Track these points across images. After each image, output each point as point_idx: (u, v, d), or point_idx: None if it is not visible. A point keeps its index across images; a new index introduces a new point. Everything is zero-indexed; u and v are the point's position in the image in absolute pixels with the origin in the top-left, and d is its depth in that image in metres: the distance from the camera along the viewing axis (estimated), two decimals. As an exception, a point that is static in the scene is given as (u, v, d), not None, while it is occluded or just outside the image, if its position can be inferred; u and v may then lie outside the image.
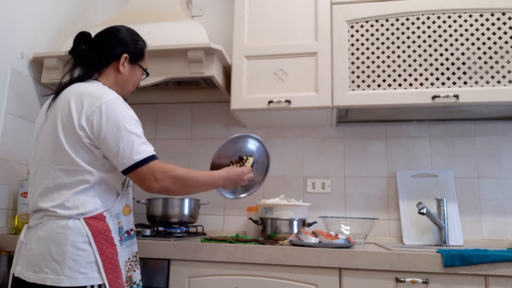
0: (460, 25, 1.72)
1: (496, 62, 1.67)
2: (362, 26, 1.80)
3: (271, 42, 1.86)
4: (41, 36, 1.95)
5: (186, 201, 1.88)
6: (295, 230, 1.71)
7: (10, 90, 1.74)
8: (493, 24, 1.69)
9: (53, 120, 1.17)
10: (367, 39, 1.78)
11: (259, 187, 1.53)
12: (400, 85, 1.72)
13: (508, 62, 1.66)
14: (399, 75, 1.73)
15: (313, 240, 1.44)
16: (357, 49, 1.78)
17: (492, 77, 1.67)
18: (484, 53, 1.68)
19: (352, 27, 1.81)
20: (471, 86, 1.67)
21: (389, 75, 1.74)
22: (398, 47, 1.75)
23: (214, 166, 1.48)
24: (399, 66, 1.74)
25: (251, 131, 2.17)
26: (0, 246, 1.58)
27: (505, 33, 1.68)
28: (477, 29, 1.70)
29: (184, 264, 1.48)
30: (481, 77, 1.67)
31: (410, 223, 1.91)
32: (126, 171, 1.15)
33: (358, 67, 1.77)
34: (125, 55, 1.30)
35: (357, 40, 1.79)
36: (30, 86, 1.87)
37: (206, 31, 1.86)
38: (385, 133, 2.06)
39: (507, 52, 1.67)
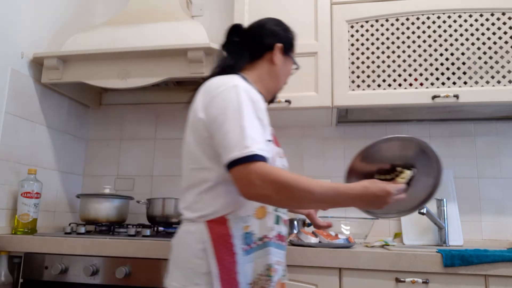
0: (460, 25, 1.72)
1: (496, 62, 1.67)
2: (362, 26, 1.80)
3: (271, 42, 1.85)
4: (41, 36, 1.95)
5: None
6: (295, 230, 1.71)
7: (10, 90, 1.74)
8: (493, 24, 1.69)
9: (189, 116, 1.11)
10: (367, 39, 1.78)
11: (410, 213, 1.17)
12: (400, 85, 1.72)
13: (508, 62, 1.66)
14: (399, 75, 1.73)
15: (313, 240, 1.44)
16: (357, 49, 1.78)
17: (492, 77, 1.66)
18: (484, 53, 1.68)
19: (352, 27, 1.81)
20: (471, 86, 1.67)
21: (389, 75, 1.74)
22: (398, 47, 1.75)
23: (354, 172, 1.14)
24: (399, 66, 1.74)
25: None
26: (0, 246, 1.58)
27: (505, 33, 1.68)
28: (477, 29, 1.70)
29: (184, 264, 1.47)
30: (481, 77, 1.67)
31: (410, 223, 1.90)
32: (227, 169, 0.96)
33: (358, 67, 1.77)
34: (279, 45, 1.19)
35: (357, 40, 1.79)
36: (30, 86, 1.87)
37: (206, 31, 1.86)
38: (385, 133, 2.06)
39: (507, 52, 1.67)
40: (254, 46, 1.19)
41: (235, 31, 1.22)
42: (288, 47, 1.22)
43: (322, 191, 0.96)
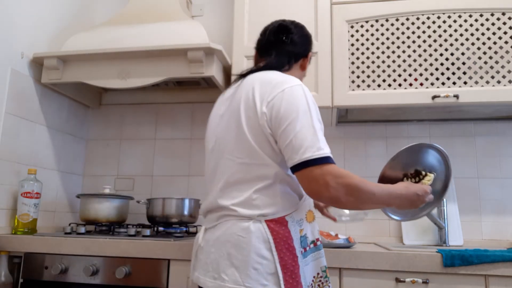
0: (460, 25, 1.72)
1: (496, 62, 1.67)
2: (362, 26, 1.80)
3: (271, 42, 1.85)
4: (41, 36, 1.95)
5: (186, 201, 1.87)
6: (295, 230, 1.71)
7: (10, 90, 1.74)
8: (493, 24, 1.69)
9: (236, 108, 1.07)
10: (367, 39, 1.78)
11: (429, 211, 1.28)
12: (400, 85, 1.72)
13: (508, 62, 1.66)
14: (399, 75, 1.73)
15: (313, 240, 1.44)
16: (357, 49, 1.78)
17: (492, 77, 1.66)
18: (484, 53, 1.68)
19: (352, 27, 1.81)
20: (471, 86, 1.67)
21: (389, 75, 1.74)
22: (398, 47, 1.75)
23: (384, 178, 1.26)
24: (399, 66, 1.74)
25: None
26: (0, 246, 1.58)
27: (505, 33, 1.68)
28: (477, 29, 1.70)
29: (184, 264, 1.47)
30: (481, 77, 1.67)
31: (410, 223, 1.90)
32: (295, 168, 0.98)
33: (358, 67, 1.77)
34: (310, 53, 1.27)
35: (357, 40, 1.79)
36: (30, 86, 1.87)
37: (206, 31, 1.86)
38: (385, 133, 2.06)
39: (507, 52, 1.67)
40: (297, 50, 1.22)
41: (285, 30, 1.22)
42: (310, 57, 1.29)
43: (381, 193, 1.04)
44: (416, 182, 1.20)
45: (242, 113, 1.05)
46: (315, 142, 0.98)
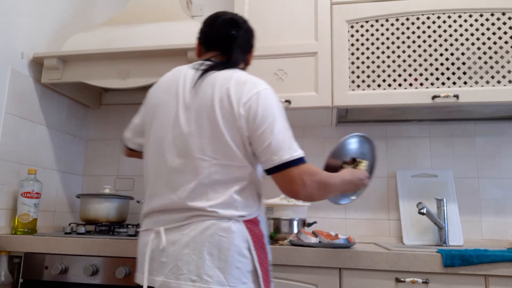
0: (460, 25, 1.72)
1: (496, 62, 1.67)
2: (362, 26, 1.80)
3: (271, 42, 1.85)
4: (41, 36, 1.95)
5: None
6: (295, 230, 1.71)
7: (10, 90, 1.74)
8: (493, 24, 1.69)
9: (207, 106, 1.03)
10: (367, 39, 1.78)
11: (363, 191, 1.41)
12: (400, 85, 1.72)
13: (508, 62, 1.66)
14: (399, 75, 1.73)
15: (313, 240, 1.44)
16: (357, 49, 1.78)
17: (492, 77, 1.66)
18: (484, 53, 1.68)
19: (352, 27, 1.81)
20: (471, 86, 1.67)
21: (389, 75, 1.74)
22: (398, 47, 1.75)
23: (328, 167, 1.32)
24: (399, 66, 1.74)
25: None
26: (0, 246, 1.58)
27: (505, 33, 1.68)
28: (477, 29, 1.70)
29: (184, 264, 1.47)
30: (481, 77, 1.67)
31: (410, 223, 1.90)
32: (273, 170, 1.02)
33: (358, 67, 1.77)
34: (253, 49, 1.27)
35: (357, 40, 1.79)
36: (30, 86, 1.87)
37: (206, 31, 1.86)
38: (385, 133, 2.06)
39: (507, 52, 1.67)
40: (246, 45, 1.22)
41: (235, 24, 1.19)
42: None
43: (339, 182, 1.14)
44: (353, 168, 1.32)
45: (218, 114, 1.02)
46: (292, 144, 1.04)
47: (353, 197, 1.42)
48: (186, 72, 1.12)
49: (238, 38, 1.17)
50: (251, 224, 1.04)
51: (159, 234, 1.02)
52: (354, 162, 1.36)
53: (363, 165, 1.34)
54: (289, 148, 1.03)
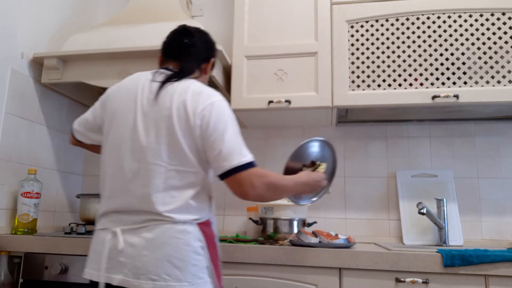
0: (460, 25, 1.72)
1: (496, 62, 1.67)
2: (362, 26, 1.80)
3: (271, 42, 1.86)
4: (41, 36, 1.95)
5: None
6: (295, 230, 1.71)
7: (10, 90, 1.74)
8: (493, 24, 1.69)
9: (165, 115, 1.10)
10: (367, 39, 1.78)
11: (324, 193, 1.47)
12: (400, 85, 1.72)
13: (508, 62, 1.66)
14: (399, 75, 1.73)
15: (313, 240, 1.44)
16: (357, 49, 1.78)
17: (492, 77, 1.66)
18: (484, 53, 1.68)
19: (352, 27, 1.81)
20: (471, 86, 1.67)
21: (389, 75, 1.74)
22: (398, 47, 1.75)
23: (287, 170, 1.42)
24: (399, 66, 1.74)
25: (251, 131, 2.17)
26: (0, 246, 1.58)
27: (505, 33, 1.68)
28: (477, 29, 1.70)
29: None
30: (481, 77, 1.67)
31: (410, 223, 1.91)
32: (225, 175, 1.11)
33: (358, 67, 1.77)
34: (213, 59, 1.34)
35: (357, 40, 1.79)
36: (30, 86, 1.87)
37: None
38: (385, 133, 2.06)
39: (507, 52, 1.67)
40: (200, 55, 1.28)
41: (187, 33, 1.26)
42: (213, 64, 1.36)
43: (291, 184, 1.22)
44: (312, 171, 1.38)
45: (176, 123, 1.09)
46: (241, 151, 1.11)
47: (313, 199, 1.47)
48: (145, 80, 1.19)
49: (190, 47, 1.25)
50: (204, 226, 1.12)
51: (116, 235, 1.08)
52: (313, 165, 1.42)
53: (322, 167, 1.40)
54: (238, 154, 1.10)
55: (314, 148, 1.45)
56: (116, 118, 1.17)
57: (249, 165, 1.11)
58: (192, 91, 1.13)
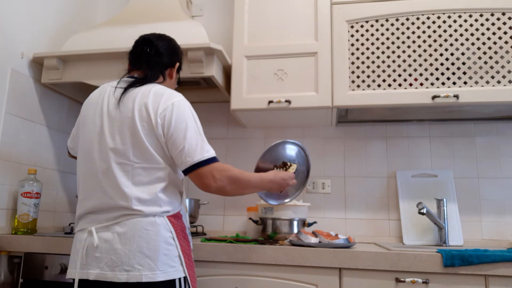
0: (460, 25, 1.72)
1: (496, 62, 1.67)
2: (362, 26, 1.80)
3: (271, 42, 1.86)
4: (41, 36, 1.95)
5: (186, 201, 1.87)
6: (295, 230, 1.71)
7: (10, 90, 1.74)
8: (493, 24, 1.69)
9: (128, 118, 1.18)
10: (367, 39, 1.78)
11: (298, 194, 1.55)
12: (400, 85, 1.72)
13: (508, 62, 1.66)
14: (399, 75, 1.73)
15: (313, 240, 1.44)
16: (357, 49, 1.79)
17: (492, 77, 1.67)
18: (484, 53, 1.68)
19: (352, 27, 1.81)
20: (471, 86, 1.67)
21: (389, 75, 1.74)
22: (398, 47, 1.75)
23: (258, 169, 1.51)
24: (399, 66, 1.74)
25: (252, 131, 2.17)
26: (0, 246, 1.58)
27: (505, 33, 1.68)
28: (477, 29, 1.70)
29: (184, 264, 1.47)
30: (481, 77, 1.67)
31: (410, 223, 1.91)
32: (188, 170, 1.17)
33: (358, 67, 1.77)
34: (178, 63, 1.39)
35: (357, 40, 1.79)
36: (30, 86, 1.87)
37: (206, 31, 1.86)
38: (385, 133, 2.06)
39: (507, 52, 1.67)
40: (163, 61, 1.34)
41: (147, 42, 1.32)
42: (180, 67, 1.42)
43: (255, 179, 1.30)
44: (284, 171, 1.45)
45: (138, 123, 1.16)
46: (203, 146, 1.18)
47: (286, 200, 1.55)
48: (110, 88, 1.27)
49: (152, 56, 1.31)
50: (174, 218, 1.19)
51: (91, 233, 1.15)
52: (285, 166, 1.49)
53: (292, 168, 1.47)
54: (200, 150, 1.17)
55: (286, 150, 1.54)
56: (85, 125, 1.26)
57: (211, 160, 1.18)
58: (153, 93, 1.20)
